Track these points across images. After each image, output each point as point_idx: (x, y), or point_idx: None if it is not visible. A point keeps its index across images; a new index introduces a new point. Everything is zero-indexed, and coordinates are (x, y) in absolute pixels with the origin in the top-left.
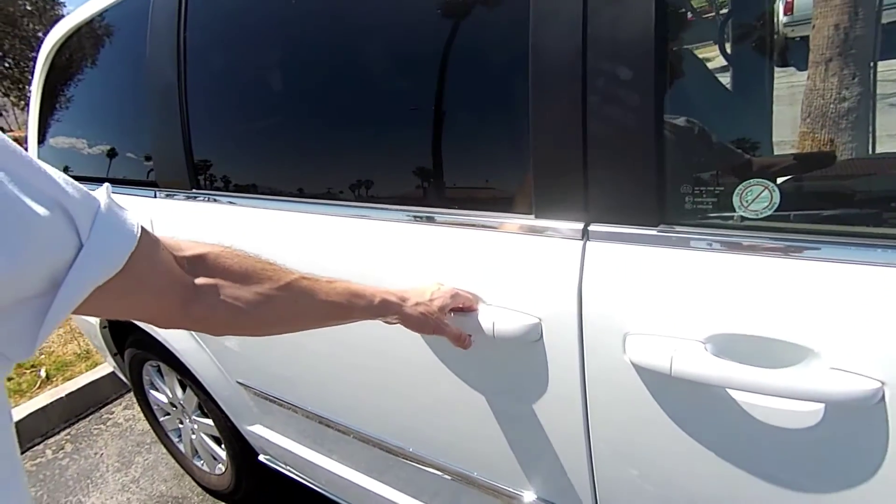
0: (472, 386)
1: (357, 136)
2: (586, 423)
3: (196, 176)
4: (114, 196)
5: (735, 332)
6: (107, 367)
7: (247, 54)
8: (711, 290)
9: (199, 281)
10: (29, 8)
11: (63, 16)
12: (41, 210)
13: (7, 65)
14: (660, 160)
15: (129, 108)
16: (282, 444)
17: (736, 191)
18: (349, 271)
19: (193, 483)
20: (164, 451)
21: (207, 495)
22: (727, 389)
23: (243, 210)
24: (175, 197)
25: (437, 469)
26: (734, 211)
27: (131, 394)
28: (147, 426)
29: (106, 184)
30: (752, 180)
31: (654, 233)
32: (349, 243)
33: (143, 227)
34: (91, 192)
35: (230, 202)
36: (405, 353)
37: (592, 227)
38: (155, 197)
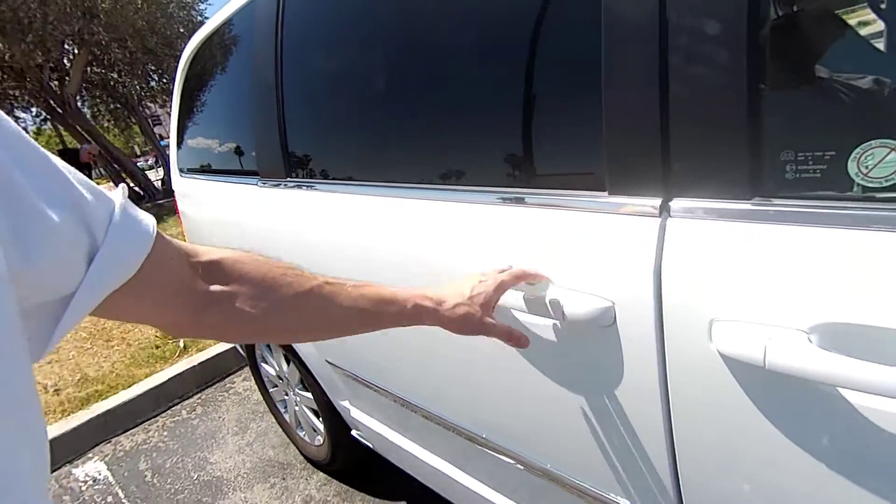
0: (543, 373)
1: (436, 124)
2: (667, 420)
3: (289, 166)
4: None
5: (848, 321)
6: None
7: (331, 58)
8: (818, 273)
9: (214, 288)
10: (182, 31)
11: None
12: (57, 210)
13: (164, 80)
14: (753, 122)
15: (242, 109)
16: (367, 423)
17: (852, 154)
18: (415, 252)
19: (297, 452)
20: (274, 420)
21: (308, 464)
22: (837, 388)
23: (329, 195)
24: (272, 185)
25: (513, 459)
26: (850, 179)
27: (249, 367)
28: (260, 397)
29: (122, 184)
30: (873, 141)
31: (749, 207)
32: (419, 224)
33: (157, 231)
34: (106, 193)
35: (317, 188)
36: (474, 341)
37: (674, 203)
38: (257, 185)
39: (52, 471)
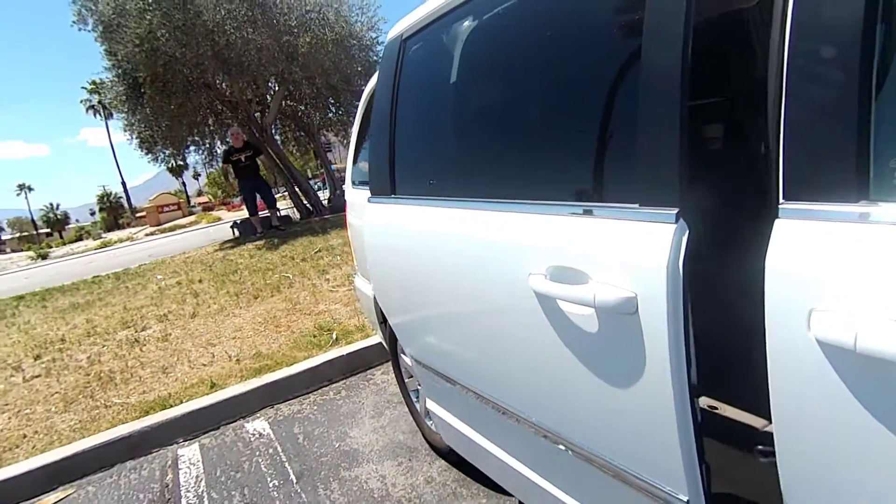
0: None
1: (510, 144)
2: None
3: (393, 184)
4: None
5: None
6: (374, 339)
7: (433, 96)
8: None
9: None
10: (360, 69)
11: None
12: None
13: (341, 112)
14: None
15: (378, 137)
16: (436, 412)
17: None
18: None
19: (423, 439)
20: (406, 410)
21: (433, 451)
22: None
23: (424, 208)
24: (381, 201)
25: (566, 445)
26: None
27: (387, 364)
28: (396, 389)
29: None
30: None
31: (855, 209)
32: (492, 231)
33: None
34: None
35: (414, 203)
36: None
37: (785, 204)
38: (368, 202)
39: (230, 422)
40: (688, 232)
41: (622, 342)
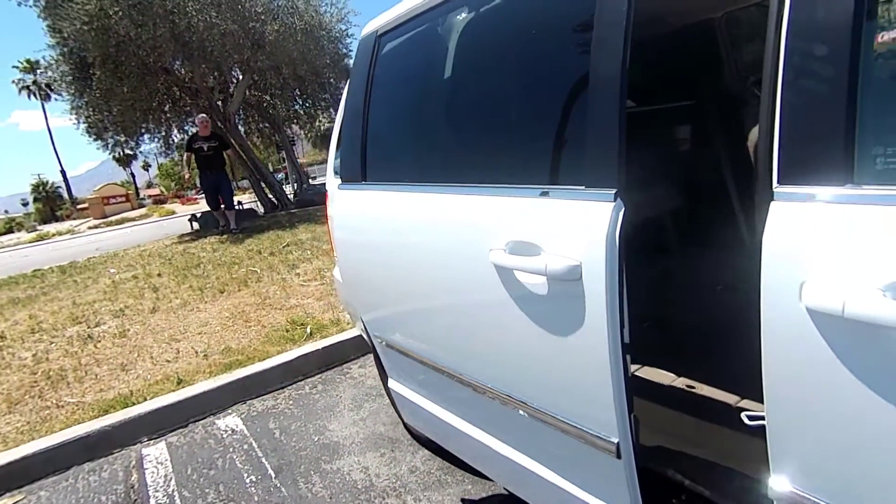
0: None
1: (476, 136)
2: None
3: (364, 171)
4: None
5: None
6: (350, 333)
7: (404, 89)
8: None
9: None
10: (328, 61)
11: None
12: None
13: (307, 104)
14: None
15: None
16: (402, 393)
17: None
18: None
19: (405, 430)
20: (387, 402)
21: (415, 442)
22: None
23: (393, 193)
24: (351, 187)
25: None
26: None
27: (364, 357)
28: (374, 382)
29: None
30: None
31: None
32: (457, 213)
33: None
34: None
35: (384, 189)
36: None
37: (779, 188)
38: (338, 188)
39: (199, 419)
40: (623, 209)
41: (569, 305)
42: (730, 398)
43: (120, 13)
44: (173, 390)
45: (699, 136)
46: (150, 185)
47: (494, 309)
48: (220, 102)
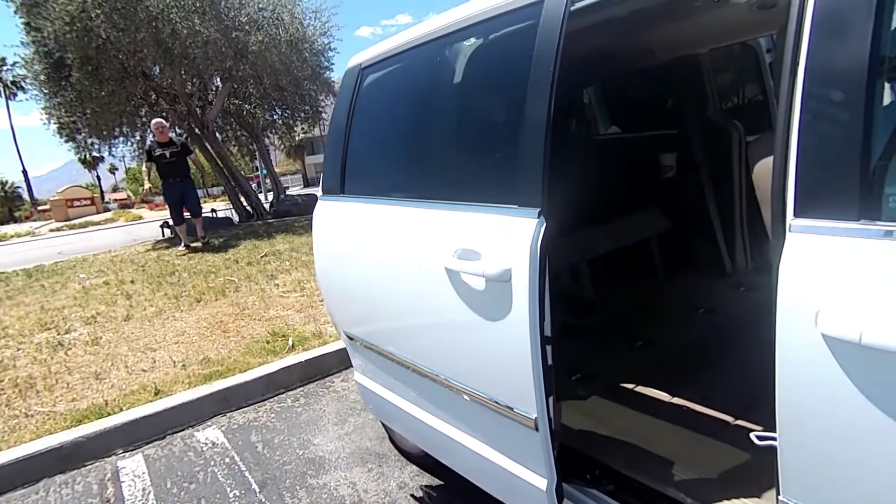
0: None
1: (435, 160)
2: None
3: (343, 184)
4: None
5: None
6: (333, 346)
7: (380, 116)
8: None
9: None
10: (310, 73)
11: (331, 80)
12: None
13: (286, 115)
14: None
15: (334, 145)
16: (366, 385)
17: None
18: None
19: (392, 445)
20: (372, 416)
21: (403, 457)
22: None
23: (367, 205)
24: (331, 199)
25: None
26: None
27: (347, 371)
28: (358, 396)
29: None
30: None
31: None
32: (418, 223)
33: None
34: None
35: (359, 201)
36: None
37: (795, 221)
38: (319, 199)
39: (178, 431)
40: (545, 224)
41: (501, 302)
42: (721, 416)
43: (102, 16)
44: (150, 401)
45: (684, 164)
46: (115, 189)
47: (445, 306)
48: (199, 109)
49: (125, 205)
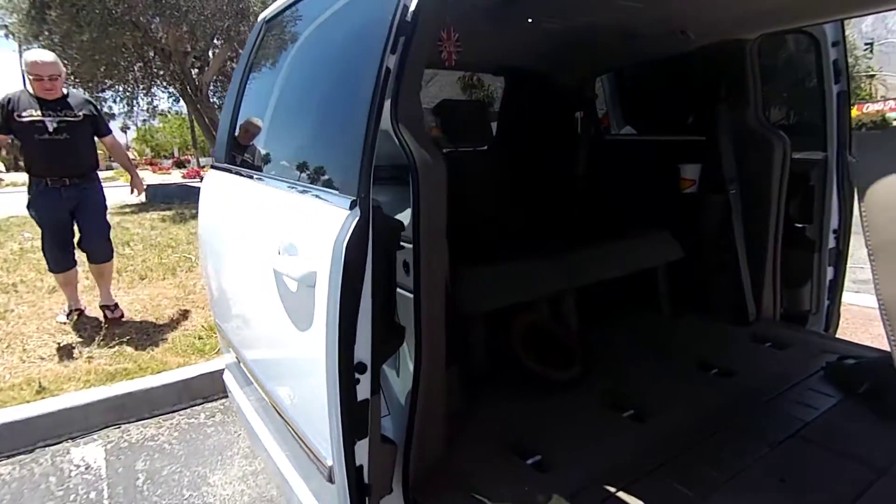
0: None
1: (286, 135)
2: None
3: (231, 154)
4: None
5: None
6: None
7: (264, 79)
8: None
9: None
10: None
11: None
12: None
13: None
14: None
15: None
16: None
17: None
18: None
19: None
20: None
21: None
22: None
23: (234, 177)
24: (218, 167)
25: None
26: None
27: None
28: None
29: None
30: None
31: None
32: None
33: None
34: None
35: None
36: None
37: None
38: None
39: (51, 444)
40: (359, 217)
41: (305, 312)
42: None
43: None
44: (29, 400)
45: (709, 179)
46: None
47: (269, 305)
48: (196, 70)
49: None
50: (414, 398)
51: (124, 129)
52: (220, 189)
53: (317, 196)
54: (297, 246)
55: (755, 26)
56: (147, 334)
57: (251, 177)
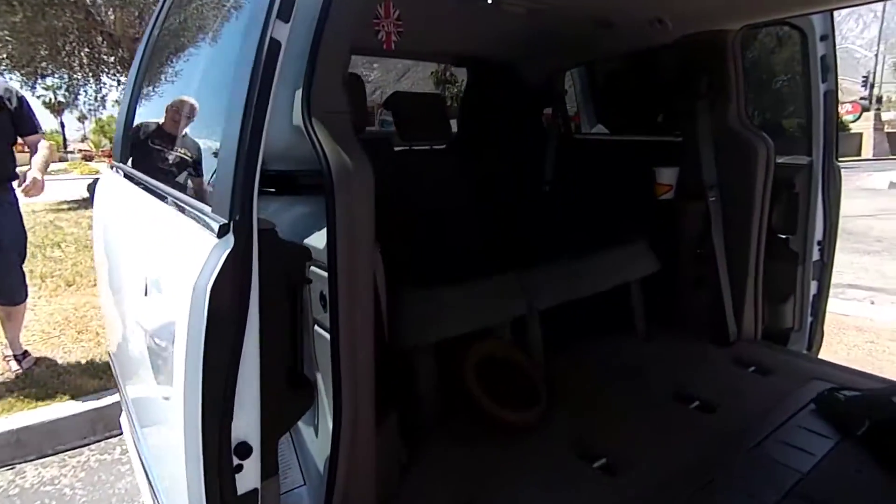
0: None
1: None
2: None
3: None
4: None
5: None
6: None
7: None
8: None
9: None
10: None
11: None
12: None
13: None
14: None
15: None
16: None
17: None
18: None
19: None
20: None
21: None
22: None
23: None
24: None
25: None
26: None
27: None
28: None
29: None
30: None
31: None
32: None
33: None
34: None
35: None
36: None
37: None
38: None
39: None
40: (232, 247)
41: (168, 374)
42: None
43: None
44: None
45: (687, 184)
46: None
47: (139, 355)
48: None
49: (88, 157)
50: (334, 464)
51: (81, 118)
52: (109, 196)
53: (192, 216)
54: (161, 284)
55: (738, 16)
56: (65, 351)
57: (139, 184)
